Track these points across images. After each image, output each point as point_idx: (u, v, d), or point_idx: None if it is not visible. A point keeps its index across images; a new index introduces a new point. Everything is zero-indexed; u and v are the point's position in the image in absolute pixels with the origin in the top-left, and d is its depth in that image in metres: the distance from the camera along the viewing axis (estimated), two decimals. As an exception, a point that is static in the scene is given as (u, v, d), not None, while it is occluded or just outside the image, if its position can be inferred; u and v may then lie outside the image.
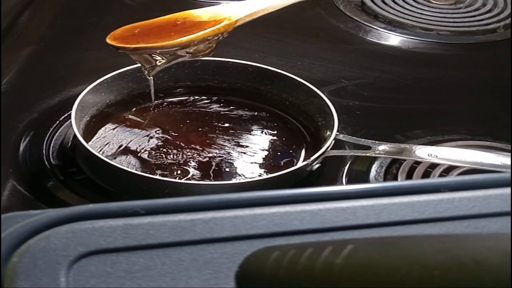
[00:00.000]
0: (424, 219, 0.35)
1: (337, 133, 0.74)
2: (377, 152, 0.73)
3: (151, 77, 0.75)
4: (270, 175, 0.69)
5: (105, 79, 0.79)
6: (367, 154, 0.73)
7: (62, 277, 0.31)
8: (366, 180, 0.75)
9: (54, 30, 1.05)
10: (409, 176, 0.75)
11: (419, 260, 0.26)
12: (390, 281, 0.26)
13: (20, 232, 0.32)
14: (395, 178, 0.75)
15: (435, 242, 0.27)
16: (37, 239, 0.32)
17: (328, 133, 0.74)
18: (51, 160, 0.76)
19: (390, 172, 0.76)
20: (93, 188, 0.72)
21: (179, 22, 0.74)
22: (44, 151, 0.77)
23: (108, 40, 0.71)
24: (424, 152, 0.71)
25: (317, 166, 0.72)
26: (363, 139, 0.75)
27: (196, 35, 0.72)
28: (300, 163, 0.71)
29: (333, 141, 0.73)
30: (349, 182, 0.75)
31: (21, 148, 0.77)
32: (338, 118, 0.75)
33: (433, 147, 0.73)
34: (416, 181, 0.59)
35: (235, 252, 0.33)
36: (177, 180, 0.70)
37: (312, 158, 0.70)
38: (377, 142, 0.73)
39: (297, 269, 0.29)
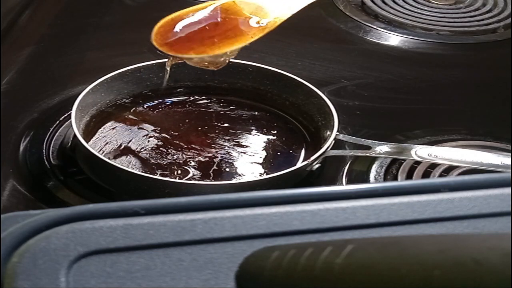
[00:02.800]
0: (424, 219, 0.35)
1: (337, 133, 0.74)
2: (377, 152, 0.73)
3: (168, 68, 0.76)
4: (270, 175, 0.69)
5: (105, 79, 0.79)
6: (367, 154, 0.73)
7: (62, 277, 0.31)
8: (366, 180, 0.75)
9: (54, 30, 1.05)
10: (409, 176, 0.75)
11: (419, 260, 0.26)
12: (390, 281, 0.26)
13: (20, 232, 0.32)
14: (395, 178, 0.75)
15: (435, 242, 0.27)
16: (37, 239, 0.32)
17: (328, 133, 0.74)
18: (51, 160, 0.76)
19: (390, 172, 0.76)
20: (93, 188, 0.72)
21: (219, 20, 0.70)
22: (44, 151, 0.77)
23: (155, 43, 0.70)
24: (424, 152, 0.71)
25: (317, 166, 0.72)
26: (363, 139, 0.75)
27: (243, 44, 0.70)
28: (300, 163, 0.71)
29: (333, 141, 0.73)
30: (349, 182, 0.75)
31: (21, 148, 0.77)
32: (338, 118, 0.75)
33: (433, 147, 0.73)
34: (416, 181, 0.59)
35: (235, 252, 0.33)
36: (177, 180, 0.70)
37: (312, 158, 0.70)
38: (377, 142, 0.73)
39: (297, 269, 0.29)
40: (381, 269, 0.27)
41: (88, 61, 0.97)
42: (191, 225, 0.33)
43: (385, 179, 0.75)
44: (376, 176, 0.75)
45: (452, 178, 0.58)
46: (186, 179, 0.72)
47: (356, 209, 0.35)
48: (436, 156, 0.71)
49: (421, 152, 0.71)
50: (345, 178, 0.76)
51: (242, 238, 0.33)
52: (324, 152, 0.71)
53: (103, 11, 1.11)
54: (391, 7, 1.14)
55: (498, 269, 0.24)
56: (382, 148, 0.73)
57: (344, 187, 0.36)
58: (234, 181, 0.72)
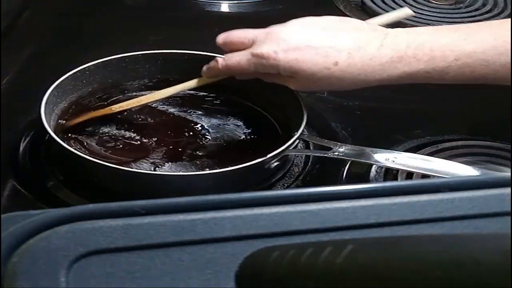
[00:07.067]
0: (424, 219, 0.35)
1: (305, 132, 0.74)
2: (335, 154, 0.72)
3: None
4: (223, 169, 0.70)
5: (86, 67, 0.79)
6: (325, 155, 0.73)
7: (62, 277, 0.31)
8: (366, 180, 0.75)
9: (54, 30, 1.05)
10: (409, 176, 0.75)
11: (419, 260, 0.26)
12: (390, 281, 0.26)
13: (20, 232, 0.32)
14: (395, 178, 0.75)
15: (435, 242, 0.27)
16: (37, 239, 0.32)
17: (294, 133, 0.74)
18: (51, 160, 0.76)
19: (390, 172, 0.76)
20: (93, 188, 0.72)
21: None
22: (44, 151, 0.77)
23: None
24: (382, 157, 0.70)
25: (276, 164, 0.72)
26: (326, 140, 0.74)
27: None
28: (257, 160, 0.71)
29: (298, 141, 0.73)
30: (349, 182, 0.75)
31: (21, 148, 0.77)
32: (307, 117, 0.75)
33: (394, 152, 0.72)
34: (416, 181, 0.59)
35: (235, 252, 0.33)
36: (145, 171, 0.71)
37: (269, 155, 0.70)
38: (339, 143, 0.73)
39: (297, 269, 0.29)
40: (381, 269, 0.27)
41: (88, 61, 0.97)
42: (191, 225, 0.33)
43: (385, 179, 0.75)
44: (376, 176, 0.75)
45: (452, 178, 0.58)
46: (150, 170, 0.72)
47: (356, 209, 0.35)
48: (393, 161, 0.70)
49: (380, 156, 0.70)
50: (345, 178, 0.76)
51: (242, 238, 0.33)
52: (283, 151, 0.71)
53: (103, 11, 1.11)
54: (391, 7, 1.14)
55: (498, 269, 0.24)
56: (342, 150, 0.72)
57: (344, 187, 0.36)
58: (197, 172, 0.72)
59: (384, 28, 0.73)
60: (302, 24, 0.73)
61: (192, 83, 0.79)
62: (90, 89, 0.80)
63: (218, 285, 0.32)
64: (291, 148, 0.73)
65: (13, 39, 0.98)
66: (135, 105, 0.80)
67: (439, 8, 1.15)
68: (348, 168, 0.77)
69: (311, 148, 0.78)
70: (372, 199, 0.35)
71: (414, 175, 0.75)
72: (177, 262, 0.32)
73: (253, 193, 0.35)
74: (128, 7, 1.15)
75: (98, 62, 0.80)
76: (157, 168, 0.73)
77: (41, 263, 0.31)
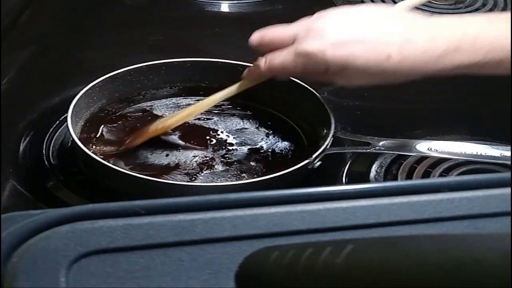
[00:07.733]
0: (424, 219, 0.35)
1: (335, 130, 0.74)
2: (376, 148, 0.72)
3: None
4: (272, 175, 0.69)
5: (96, 83, 0.79)
6: (367, 151, 0.73)
7: (62, 277, 0.31)
8: (366, 180, 0.75)
9: (54, 30, 1.05)
10: (409, 176, 0.75)
11: (419, 260, 0.26)
12: (390, 281, 0.26)
13: (20, 232, 0.32)
14: (395, 178, 0.75)
15: (435, 242, 0.27)
16: (37, 239, 0.32)
17: (325, 131, 0.74)
18: (51, 160, 0.76)
19: (390, 172, 0.76)
20: (93, 188, 0.72)
21: None
22: (44, 151, 0.77)
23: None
24: (424, 146, 0.71)
25: (318, 164, 0.72)
26: (362, 136, 0.74)
27: None
28: (303, 162, 0.71)
29: (332, 139, 0.73)
30: (349, 182, 0.75)
31: (21, 148, 0.77)
32: (334, 116, 0.75)
33: (433, 141, 0.72)
34: (416, 181, 0.59)
35: (235, 252, 0.33)
36: (176, 182, 0.70)
37: (314, 155, 0.70)
38: (376, 138, 0.73)
39: (297, 269, 0.29)
40: (381, 269, 0.27)
41: (88, 61, 0.97)
42: (191, 225, 0.33)
43: (385, 179, 0.75)
44: (376, 176, 0.75)
45: (452, 178, 0.58)
46: (186, 181, 0.72)
47: (356, 209, 0.35)
48: (436, 150, 0.70)
49: (421, 146, 0.71)
50: (345, 178, 0.76)
51: (242, 238, 0.33)
52: (324, 150, 0.71)
53: (103, 11, 1.11)
54: (391, 7, 1.14)
55: (498, 269, 0.24)
56: (382, 144, 0.72)
57: (344, 187, 0.36)
58: (234, 182, 0.72)
59: (424, 16, 0.70)
60: (342, 14, 0.69)
61: (234, 88, 0.76)
62: (100, 105, 0.80)
63: (218, 285, 0.32)
64: (328, 146, 0.72)
65: (13, 39, 0.98)
66: (187, 119, 0.78)
67: (439, 8, 1.15)
68: (348, 168, 0.77)
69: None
70: (372, 199, 0.35)
71: (414, 174, 0.75)
72: (177, 262, 0.32)
73: (253, 193, 0.35)
74: (128, 7, 1.15)
75: (106, 78, 0.80)
76: (192, 179, 0.72)
77: (41, 263, 0.31)
